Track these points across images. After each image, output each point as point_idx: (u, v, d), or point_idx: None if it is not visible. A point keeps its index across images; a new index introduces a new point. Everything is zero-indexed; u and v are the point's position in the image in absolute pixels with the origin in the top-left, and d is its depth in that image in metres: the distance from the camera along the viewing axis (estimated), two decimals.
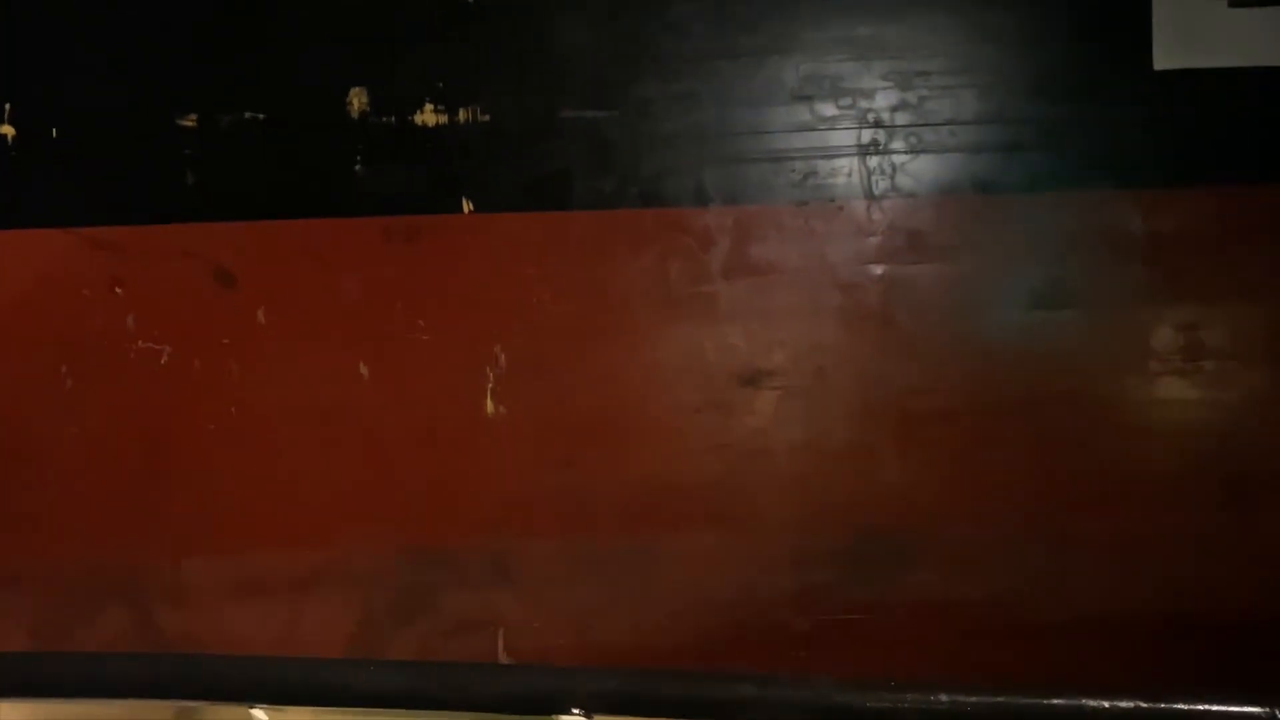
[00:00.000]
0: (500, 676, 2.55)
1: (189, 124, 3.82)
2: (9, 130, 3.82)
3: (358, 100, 3.81)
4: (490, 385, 3.84)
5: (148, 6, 3.79)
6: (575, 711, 2.41)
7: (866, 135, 3.80)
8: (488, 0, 3.79)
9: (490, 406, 3.84)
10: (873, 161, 3.80)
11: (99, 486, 3.87)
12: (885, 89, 3.79)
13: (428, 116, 3.82)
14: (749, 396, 3.84)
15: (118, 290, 3.84)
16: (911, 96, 3.79)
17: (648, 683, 2.44)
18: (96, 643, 3.83)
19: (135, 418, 3.86)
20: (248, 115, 3.81)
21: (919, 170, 3.81)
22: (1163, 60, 3.81)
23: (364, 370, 3.84)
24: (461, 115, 3.81)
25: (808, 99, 3.79)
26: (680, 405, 3.85)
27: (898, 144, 3.80)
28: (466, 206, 3.83)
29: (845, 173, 3.81)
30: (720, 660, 3.83)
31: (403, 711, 2.47)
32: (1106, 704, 2.34)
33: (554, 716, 2.41)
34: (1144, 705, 2.35)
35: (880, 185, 3.81)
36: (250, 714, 2.47)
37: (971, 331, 3.83)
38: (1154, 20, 3.78)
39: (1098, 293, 3.82)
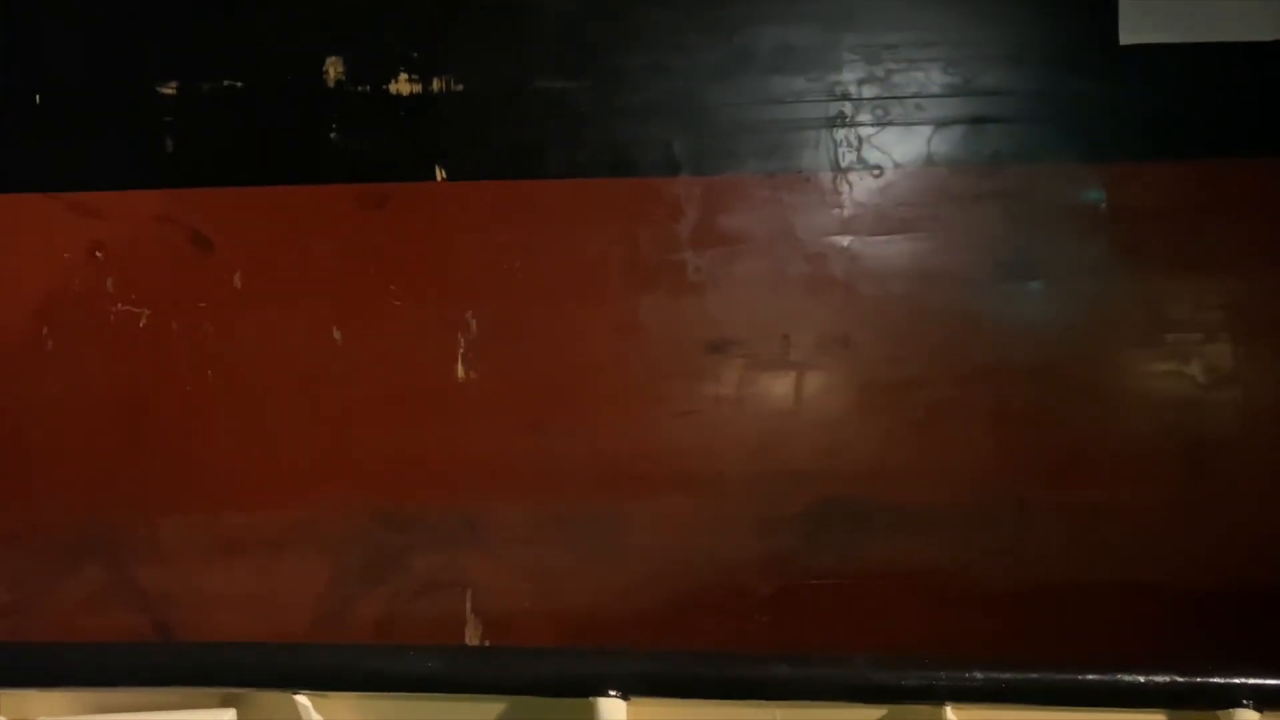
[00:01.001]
0: (538, 660, 2.49)
1: (169, 91, 3.76)
2: None
3: (334, 69, 3.75)
4: (461, 350, 3.78)
5: None
6: (612, 693, 2.37)
7: (834, 108, 3.73)
8: None
9: (461, 371, 3.78)
10: (839, 134, 3.73)
11: (79, 446, 3.82)
12: (853, 62, 3.72)
13: (402, 85, 3.76)
14: (716, 364, 3.77)
15: (98, 254, 3.79)
16: (879, 70, 3.73)
17: (683, 664, 2.39)
18: (75, 597, 3.78)
19: (114, 379, 3.80)
20: (226, 83, 3.76)
21: (885, 143, 3.74)
22: (1128, 35, 3.74)
23: (337, 335, 3.79)
24: (435, 84, 3.75)
25: (777, 71, 3.72)
26: (648, 372, 3.78)
27: (864, 117, 3.73)
28: (440, 174, 3.77)
29: (813, 144, 3.75)
30: (685, 623, 3.77)
31: (442, 696, 2.45)
32: (1142, 679, 2.30)
33: (592, 698, 2.37)
34: (1180, 680, 2.31)
35: (847, 157, 3.74)
36: (294, 700, 2.45)
37: (936, 302, 3.76)
38: None
39: (1061, 265, 3.75)
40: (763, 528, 3.77)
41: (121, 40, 3.77)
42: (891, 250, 3.76)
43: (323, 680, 2.36)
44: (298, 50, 3.74)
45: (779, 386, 3.77)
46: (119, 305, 3.80)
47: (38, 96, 3.79)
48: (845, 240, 3.76)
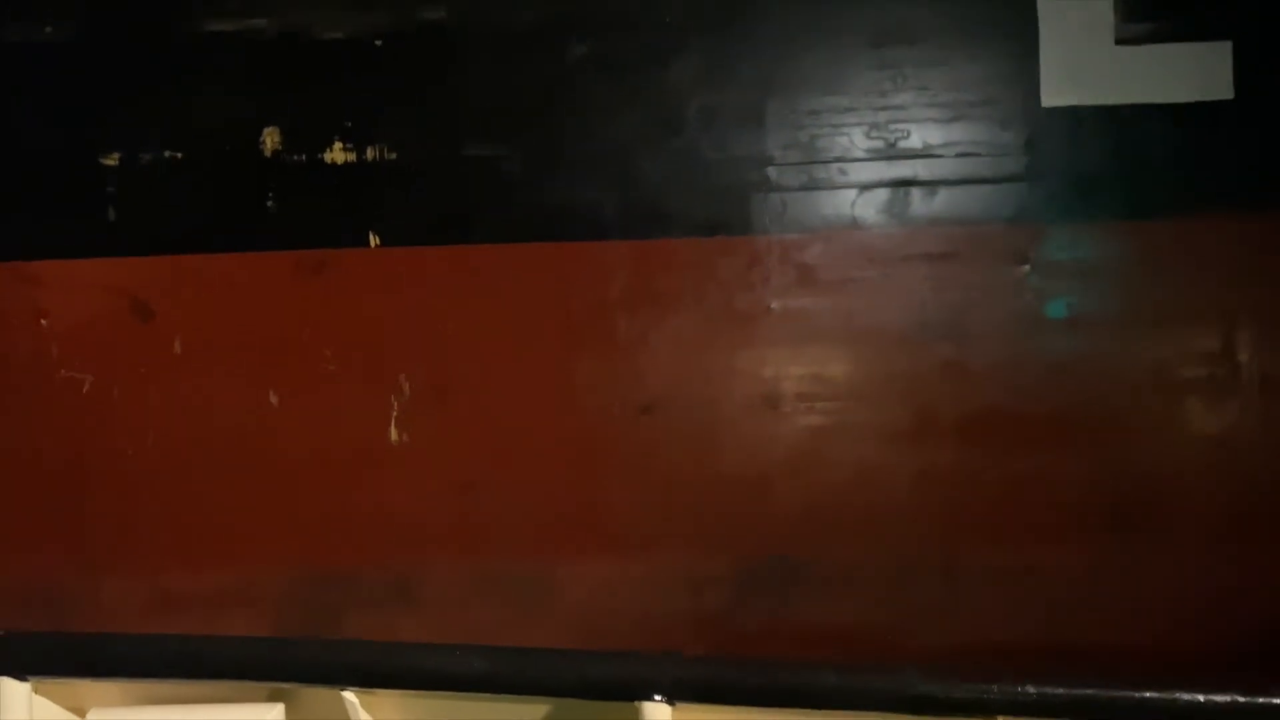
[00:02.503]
0: (584, 662, 2.37)
1: (111, 162, 3.69)
2: None
3: (271, 139, 3.67)
4: (394, 413, 3.66)
5: (74, 51, 3.67)
6: (658, 698, 2.28)
7: (759, 173, 3.61)
8: (395, 44, 3.64)
9: (394, 433, 3.66)
10: (765, 197, 3.61)
11: (23, 507, 3.72)
12: (777, 128, 3.61)
13: (337, 154, 3.67)
14: (645, 423, 3.64)
15: (43, 322, 3.71)
16: (803, 135, 3.61)
17: (729, 670, 2.27)
18: None
19: (59, 443, 3.71)
20: (167, 154, 3.68)
21: (810, 206, 3.62)
22: (1049, 97, 3.61)
23: (274, 398, 3.68)
24: (369, 153, 3.66)
25: (703, 137, 3.61)
26: (579, 433, 3.66)
27: (789, 181, 3.61)
28: (373, 240, 3.67)
29: (739, 208, 3.62)
30: None
31: (488, 696, 2.37)
32: (1201, 698, 2.17)
33: (637, 702, 2.28)
34: (1240, 700, 2.17)
35: (773, 221, 3.62)
36: (341, 696, 2.39)
37: (863, 363, 3.62)
38: (1041, 58, 3.58)
39: (987, 325, 3.60)
40: (693, 587, 3.62)
41: (67, 113, 3.69)
42: (818, 312, 3.63)
43: (370, 677, 2.26)
44: (236, 121, 3.66)
45: (708, 447, 3.63)
46: (63, 371, 3.71)
47: None
48: (773, 302, 3.63)
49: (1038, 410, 3.57)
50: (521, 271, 3.65)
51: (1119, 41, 3.57)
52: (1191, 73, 3.56)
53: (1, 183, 3.72)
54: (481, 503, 3.64)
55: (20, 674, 2.44)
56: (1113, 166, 3.58)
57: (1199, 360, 3.53)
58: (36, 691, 2.46)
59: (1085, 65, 3.57)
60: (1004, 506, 3.55)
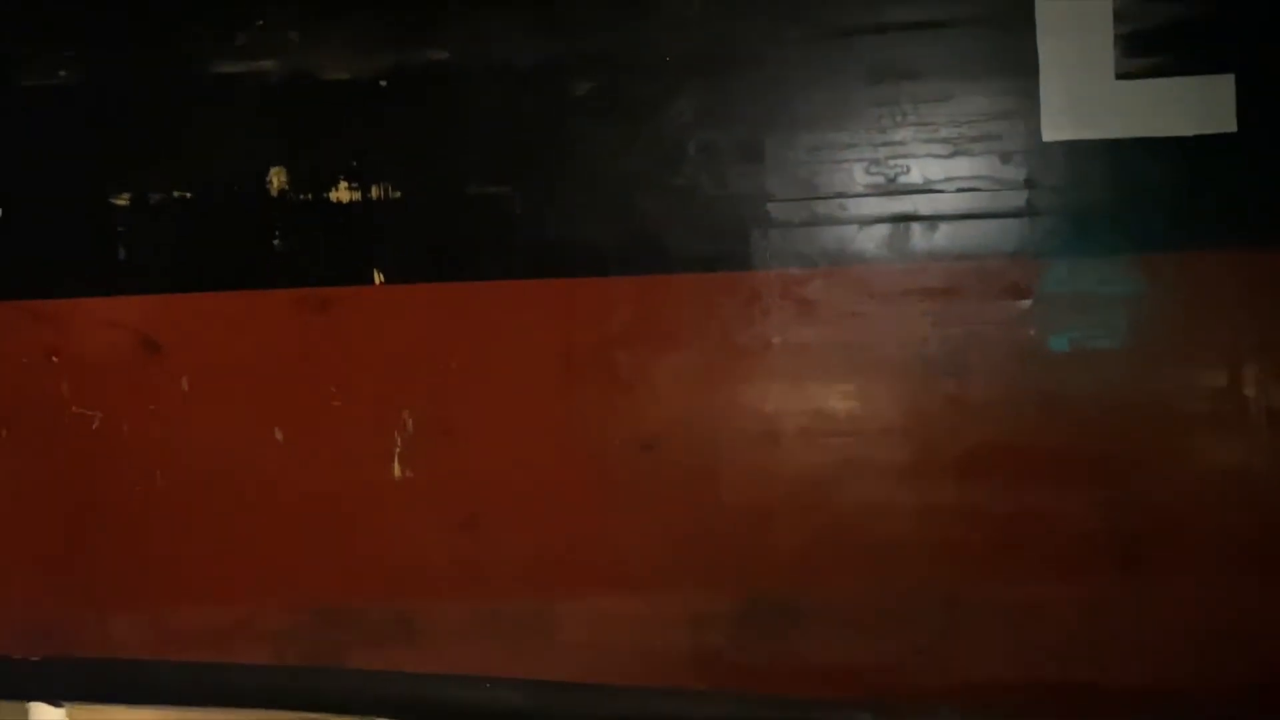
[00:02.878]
0: (621, 697, 2.33)
1: (121, 202, 3.71)
2: None
3: (277, 179, 3.68)
4: (398, 450, 3.64)
5: (85, 95, 3.71)
6: None
7: (760, 208, 3.58)
8: (399, 84, 3.65)
9: (398, 470, 3.64)
10: (766, 233, 3.58)
11: (35, 541, 3.74)
12: (777, 164, 3.58)
13: (342, 193, 3.67)
14: (646, 460, 3.60)
15: (54, 359, 3.73)
16: (803, 171, 3.57)
17: (764, 709, 2.21)
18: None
19: (69, 480, 3.72)
20: (175, 194, 3.70)
21: (811, 242, 3.58)
22: (1050, 131, 3.56)
23: (279, 435, 3.67)
24: (374, 191, 3.67)
25: (704, 173, 3.58)
26: (580, 469, 3.62)
27: (790, 216, 3.58)
28: (378, 278, 3.67)
29: (740, 244, 3.59)
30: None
31: None
32: None
33: None
34: None
35: (774, 256, 3.58)
36: None
37: (864, 400, 3.57)
38: (1041, 93, 3.53)
39: (989, 360, 3.55)
40: (693, 625, 3.57)
41: (78, 154, 3.73)
42: (820, 347, 3.58)
43: (401, 709, 2.22)
44: (243, 161, 3.68)
45: (707, 483, 3.58)
46: (74, 408, 3.73)
47: (1, 209, 3.76)
48: (774, 338, 3.59)
49: (1041, 445, 3.50)
50: (523, 308, 3.63)
51: (1120, 76, 3.52)
52: (1194, 106, 3.50)
53: (15, 223, 3.75)
54: (483, 539, 3.61)
55: (55, 699, 2.43)
56: (1115, 200, 3.52)
57: (1204, 395, 3.45)
58: (70, 717, 2.45)
59: (1086, 99, 3.52)
60: (1008, 542, 3.48)
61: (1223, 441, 3.43)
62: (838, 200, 3.57)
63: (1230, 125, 3.49)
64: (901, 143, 3.55)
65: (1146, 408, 3.47)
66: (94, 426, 3.72)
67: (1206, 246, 3.47)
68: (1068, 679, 3.43)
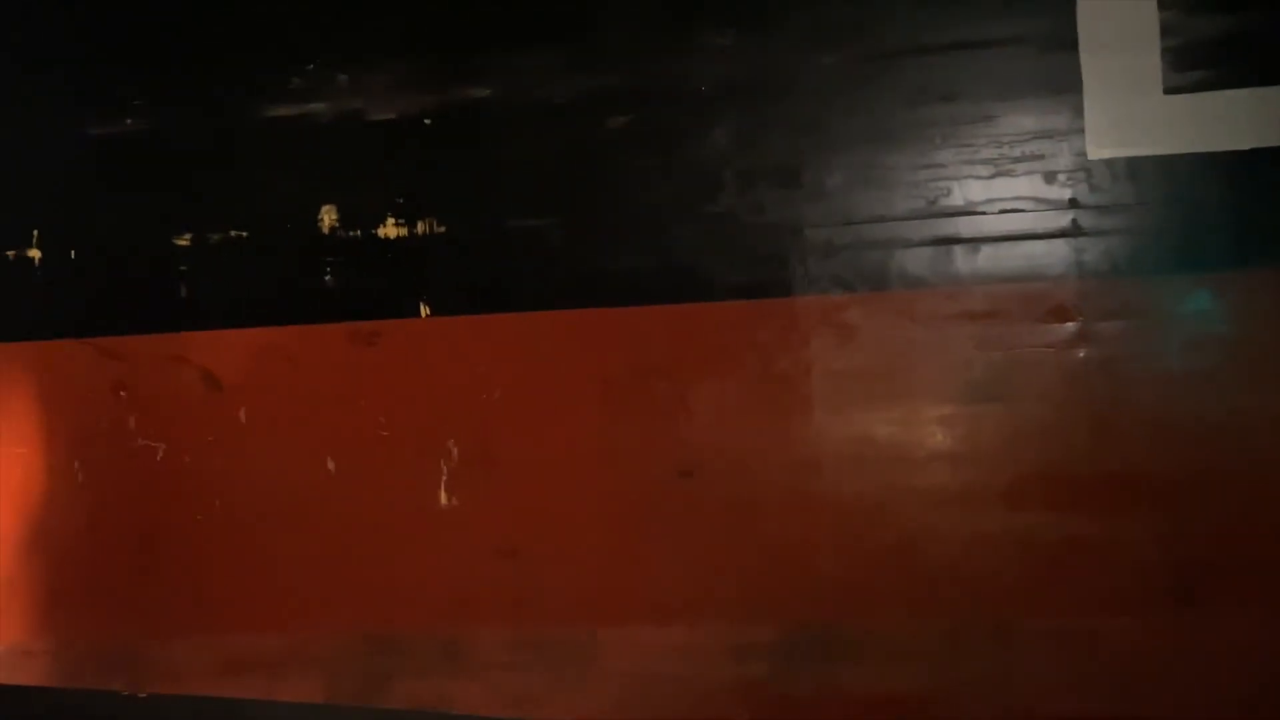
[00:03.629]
0: None
1: (183, 243, 3.77)
2: (36, 254, 3.86)
3: (328, 217, 3.70)
4: (444, 478, 3.61)
5: (150, 141, 3.79)
6: None
7: (797, 234, 3.48)
8: (442, 122, 3.64)
9: (444, 498, 3.61)
10: (805, 259, 3.48)
11: (104, 571, 3.79)
12: (815, 189, 3.48)
13: (390, 229, 3.67)
14: (686, 488, 3.50)
15: (122, 394, 3.79)
16: (840, 197, 3.47)
17: None
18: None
19: (135, 509, 3.76)
20: (233, 233, 3.74)
21: (850, 267, 3.46)
22: (1096, 149, 3.40)
23: (331, 465, 3.67)
24: (420, 227, 3.66)
25: (740, 200, 3.50)
26: (621, 497, 3.53)
27: (829, 241, 3.47)
28: (424, 310, 3.65)
29: (779, 270, 3.49)
30: None
31: None
32: None
33: None
34: None
35: (813, 282, 3.48)
36: None
37: (907, 426, 3.42)
38: (1086, 110, 3.38)
39: (1032, 384, 3.38)
40: (737, 654, 3.44)
41: (143, 198, 3.79)
42: (860, 374, 3.46)
43: None
44: (296, 201, 3.70)
45: (748, 511, 3.46)
46: (139, 440, 3.78)
47: (73, 252, 3.86)
48: (814, 364, 3.48)
49: (1091, 471, 3.31)
50: (563, 338, 3.56)
51: (1168, 91, 3.35)
52: (1246, 119, 3.31)
53: (85, 265, 3.85)
54: (526, 567, 3.55)
55: None
56: (1165, 218, 3.34)
57: (1262, 417, 3.24)
58: None
59: (1133, 116, 3.34)
60: (1057, 572, 3.30)
61: None
62: (877, 224, 3.45)
63: None
64: (942, 165, 3.41)
65: (1203, 431, 3.26)
66: (158, 458, 3.77)
67: (1262, 264, 3.27)
68: (1123, 713, 3.22)
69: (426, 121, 3.58)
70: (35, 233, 3.78)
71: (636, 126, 3.48)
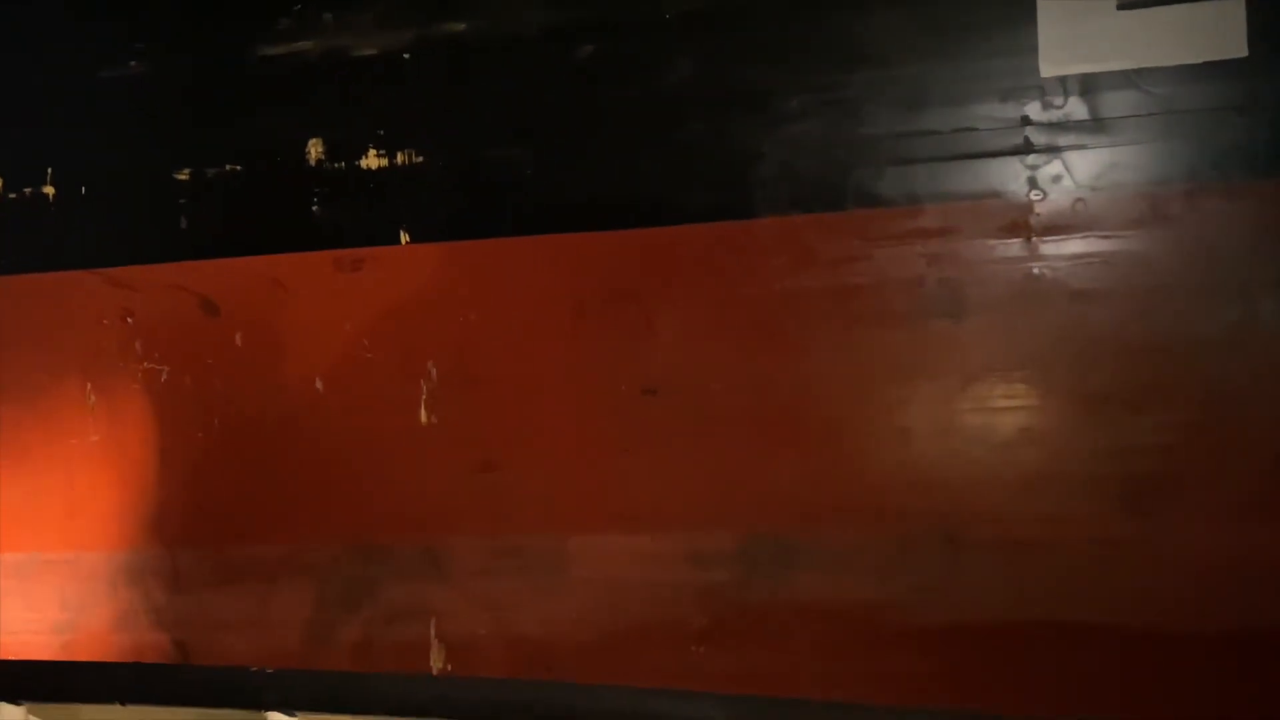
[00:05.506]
0: (821, 713, 2.21)
1: (183, 177, 3.76)
2: (50, 190, 3.89)
3: (315, 149, 3.66)
4: (424, 397, 3.59)
5: (151, 83, 3.79)
6: None
7: (759, 158, 3.39)
8: (420, 56, 3.58)
9: (424, 416, 3.59)
10: (766, 182, 3.39)
11: (114, 486, 3.82)
12: (776, 114, 3.38)
13: (371, 160, 3.63)
14: (651, 405, 3.44)
15: (129, 320, 3.81)
16: (799, 123, 3.36)
17: None
18: (111, 616, 3.77)
19: (142, 428, 3.79)
20: (228, 168, 3.73)
21: (808, 190, 3.37)
22: (1049, 67, 3.26)
23: (319, 385, 3.65)
24: (399, 158, 3.61)
25: (709, 125, 3.41)
26: (590, 414, 3.45)
27: (789, 166, 3.38)
28: (404, 238, 3.62)
29: (740, 192, 3.41)
30: (628, 652, 3.44)
31: None
32: None
33: None
34: None
35: (777, 205, 3.39)
36: None
37: (861, 342, 3.33)
38: (1039, 26, 3.24)
39: (987, 301, 3.27)
40: (697, 562, 3.39)
41: (146, 137, 3.79)
42: (821, 293, 3.36)
43: None
44: (285, 135, 3.68)
45: (709, 427, 3.39)
46: (145, 364, 3.80)
47: (84, 188, 3.88)
48: (772, 284, 3.39)
49: (1043, 384, 3.18)
50: (536, 263, 3.49)
51: (1121, 6, 3.20)
52: (1202, 32, 3.15)
53: (96, 200, 3.86)
54: (502, 480, 3.49)
55: (289, 709, 2.44)
56: (1117, 134, 3.20)
57: (1210, 331, 3.10)
58: None
59: (1086, 33, 3.21)
60: (1005, 482, 3.20)
61: (1226, 379, 3.07)
62: (836, 149, 3.34)
63: (1242, 50, 3.13)
64: (902, 82, 3.31)
65: (1150, 356, 3.14)
66: (162, 380, 3.78)
67: (1216, 178, 3.12)
68: (1068, 620, 3.12)
69: (406, 56, 3.52)
70: (49, 170, 3.80)
71: (603, 56, 3.40)
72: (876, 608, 3.09)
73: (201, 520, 3.60)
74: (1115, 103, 3.06)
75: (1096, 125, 3.05)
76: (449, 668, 3.36)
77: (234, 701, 2.67)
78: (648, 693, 2.39)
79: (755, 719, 2.14)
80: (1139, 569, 2.94)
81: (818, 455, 3.16)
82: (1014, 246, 3.08)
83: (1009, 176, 3.11)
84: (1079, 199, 3.04)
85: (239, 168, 3.57)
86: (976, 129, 3.13)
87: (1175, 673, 2.86)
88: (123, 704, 2.66)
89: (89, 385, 3.70)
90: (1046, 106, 3.07)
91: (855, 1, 3.16)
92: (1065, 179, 3.07)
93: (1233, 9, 2.98)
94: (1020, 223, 3.07)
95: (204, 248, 3.61)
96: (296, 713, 2.49)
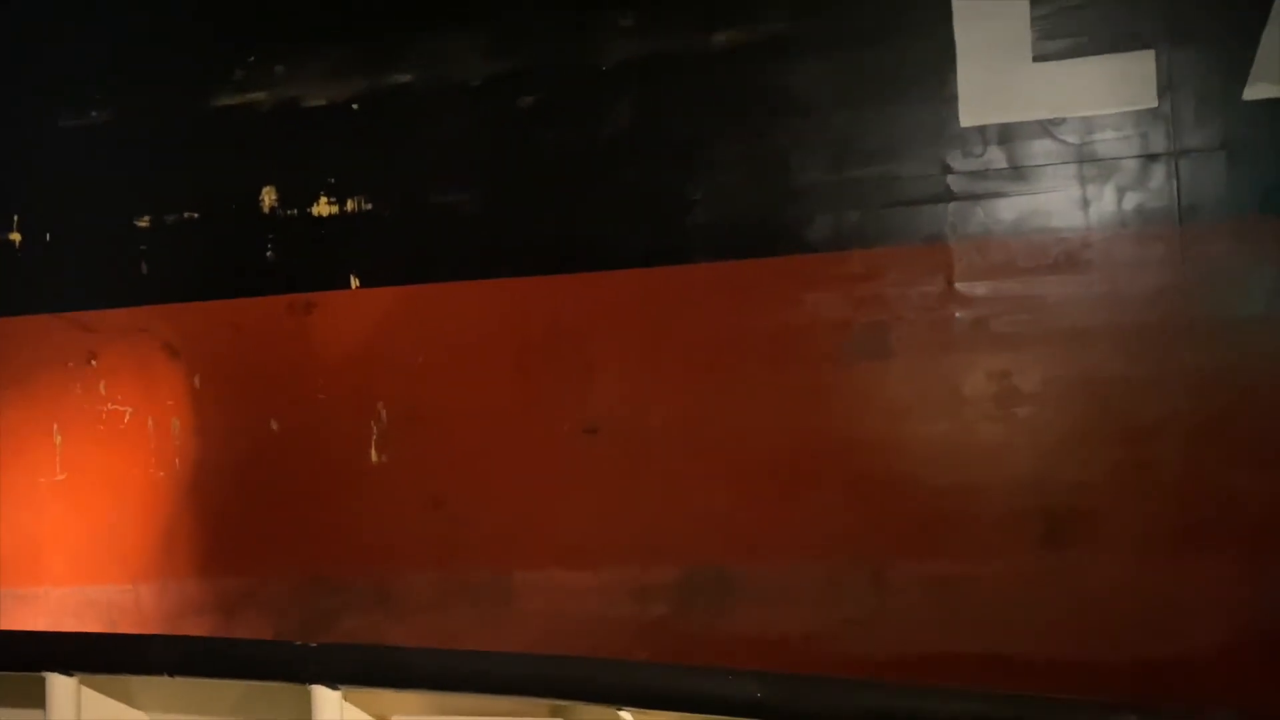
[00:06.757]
0: (858, 691, 2.22)
1: (143, 224, 3.78)
2: (16, 236, 3.91)
3: (269, 197, 3.68)
4: (374, 436, 3.61)
5: (112, 132, 3.80)
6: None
7: (690, 205, 3.41)
8: (368, 106, 3.61)
9: (375, 455, 3.61)
10: (698, 228, 3.41)
11: (79, 525, 3.85)
12: (706, 163, 3.40)
13: (322, 207, 3.64)
14: (591, 443, 3.46)
15: (93, 362, 3.83)
16: (728, 172, 3.38)
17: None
18: None
19: (106, 467, 3.81)
20: (186, 215, 3.75)
21: (737, 235, 3.39)
22: (969, 117, 3.28)
23: (274, 425, 3.68)
24: (350, 205, 3.63)
25: (638, 169, 3.43)
26: (534, 452, 3.47)
27: (719, 211, 3.40)
28: (354, 282, 3.64)
29: (676, 237, 3.43)
30: None
31: None
32: None
33: None
34: None
35: (705, 250, 3.41)
36: (619, 715, 2.29)
37: (791, 380, 3.34)
38: (959, 78, 3.26)
39: (912, 343, 3.29)
40: (638, 595, 3.41)
41: (108, 184, 3.81)
42: (755, 334, 3.38)
43: (646, 698, 2.17)
44: (240, 183, 3.70)
45: (648, 465, 3.41)
46: (109, 405, 3.83)
47: (48, 234, 3.90)
48: (711, 327, 3.39)
49: (962, 422, 3.20)
50: (481, 306, 3.51)
51: (1037, 59, 3.22)
52: (1114, 83, 3.17)
53: (60, 246, 3.88)
54: (450, 517, 3.50)
55: (332, 683, 2.47)
56: (1036, 181, 3.22)
57: (1124, 371, 3.12)
58: (346, 699, 2.48)
59: (1004, 84, 3.22)
60: (932, 519, 3.22)
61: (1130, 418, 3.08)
62: (765, 199, 3.35)
63: (1152, 101, 3.15)
64: (830, 132, 3.32)
65: (1070, 390, 3.16)
66: (125, 420, 3.81)
67: (1130, 227, 3.14)
68: (992, 651, 3.14)
69: (354, 106, 3.54)
70: (15, 218, 3.81)
71: (544, 106, 3.42)
72: (811, 639, 3.11)
73: (163, 555, 3.62)
74: (1032, 151, 3.08)
75: (1014, 173, 3.06)
76: None
77: (278, 674, 2.68)
78: (682, 669, 2.40)
79: (792, 694, 2.14)
80: (1059, 601, 2.95)
81: (753, 491, 3.18)
82: (936, 290, 3.09)
83: (931, 223, 3.12)
84: (998, 244, 3.06)
85: (196, 215, 3.59)
86: (900, 177, 3.14)
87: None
88: (170, 676, 2.67)
89: (55, 425, 3.71)
90: (966, 155, 3.09)
91: (783, 55, 3.17)
92: (985, 225, 3.09)
93: (1143, 61, 3.00)
94: (942, 267, 3.09)
95: (164, 292, 3.64)
96: (339, 686, 2.52)
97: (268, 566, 3.55)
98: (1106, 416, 2.97)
